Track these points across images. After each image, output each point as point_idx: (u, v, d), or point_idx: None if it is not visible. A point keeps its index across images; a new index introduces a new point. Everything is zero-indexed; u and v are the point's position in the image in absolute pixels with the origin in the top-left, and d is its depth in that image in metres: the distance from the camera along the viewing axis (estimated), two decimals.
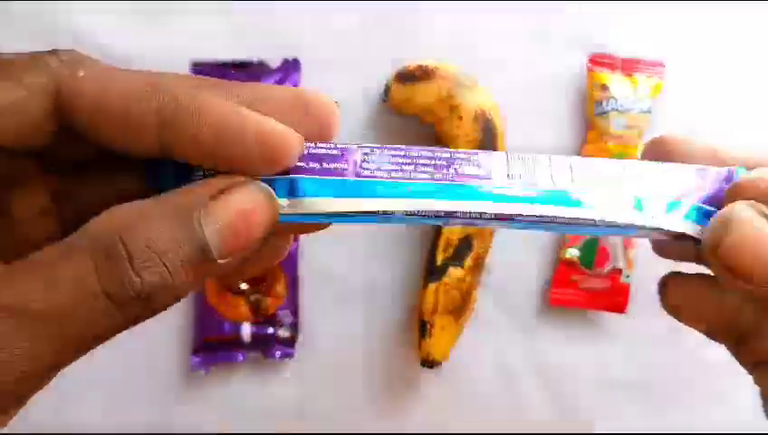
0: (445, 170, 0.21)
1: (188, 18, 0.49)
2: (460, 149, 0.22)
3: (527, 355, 0.51)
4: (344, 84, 0.49)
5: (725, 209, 0.20)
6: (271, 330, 0.49)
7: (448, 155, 0.22)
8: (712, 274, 0.21)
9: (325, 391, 0.50)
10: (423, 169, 0.21)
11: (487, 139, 0.46)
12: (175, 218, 0.17)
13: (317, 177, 0.20)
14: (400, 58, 0.48)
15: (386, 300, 0.50)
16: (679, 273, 0.24)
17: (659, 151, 0.23)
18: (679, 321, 0.24)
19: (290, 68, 0.49)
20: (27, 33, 0.48)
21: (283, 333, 0.49)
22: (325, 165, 0.20)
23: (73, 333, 0.16)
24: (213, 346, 0.48)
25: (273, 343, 0.49)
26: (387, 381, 0.50)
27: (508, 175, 0.21)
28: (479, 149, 0.46)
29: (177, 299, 0.18)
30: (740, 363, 0.24)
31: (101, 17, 0.48)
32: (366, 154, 0.21)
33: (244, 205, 0.18)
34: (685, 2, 0.50)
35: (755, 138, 0.51)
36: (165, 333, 0.49)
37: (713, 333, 0.24)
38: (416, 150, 0.22)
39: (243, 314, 0.48)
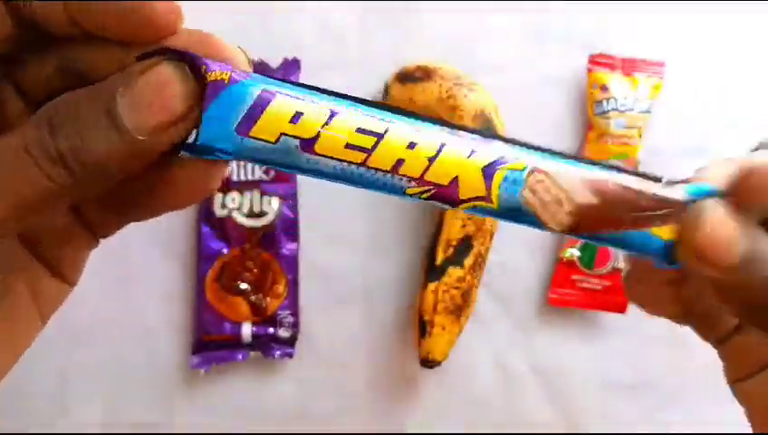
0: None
1: (188, 18, 0.49)
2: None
3: (527, 355, 0.51)
4: (344, 84, 0.49)
5: (697, 204, 0.21)
6: (271, 330, 0.49)
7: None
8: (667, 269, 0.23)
9: (325, 391, 0.50)
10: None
11: None
12: (94, 96, 0.19)
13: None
14: (400, 58, 0.48)
15: (386, 300, 0.50)
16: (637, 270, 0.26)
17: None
18: (644, 311, 0.26)
19: (290, 68, 0.49)
20: None
21: (283, 333, 0.49)
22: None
23: (2, 189, 0.18)
24: (213, 346, 0.48)
25: (273, 343, 0.49)
26: (387, 381, 0.50)
27: None
28: None
29: (102, 174, 0.19)
30: (704, 340, 0.27)
31: None
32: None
33: (156, 77, 0.19)
34: (685, 2, 0.50)
35: (755, 137, 0.51)
36: (165, 332, 0.49)
37: (674, 319, 0.27)
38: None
39: (243, 314, 0.48)
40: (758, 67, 0.51)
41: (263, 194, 0.49)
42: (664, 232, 0.21)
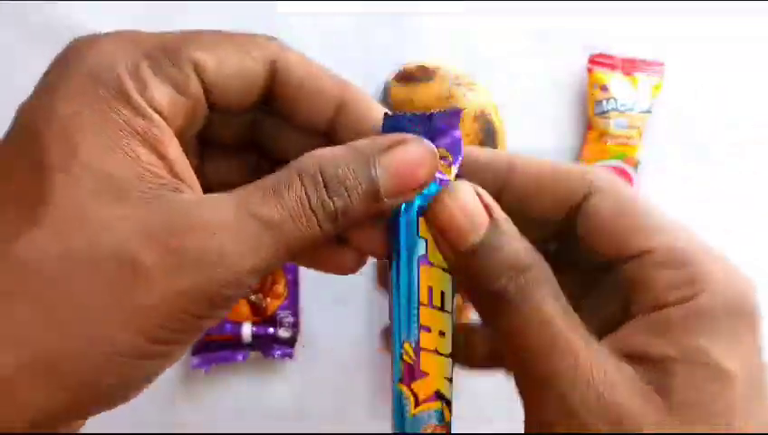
0: None
1: (188, 19, 0.49)
2: None
3: None
4: None
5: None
6: (271, 330, 0.49)
7: None
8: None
9: (325, 391, 0.50)
10: None
11: (487, 139, 0.46)
12: (357, 160, 0.21)
13: None
14: (400, 58, 0.48)
15: (386, 300, 0.50)
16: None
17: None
18: None
19: None
20: (28, 35, 0.48)
21: (283, 333, 0.49)
22: None
23: (290, 238, 0.20)
24: (213, 346, 0.48)
25: (273, 343, 0.49)
26: (387, 381, 0.50)
27: None
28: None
29: (354, 225, 0.22)
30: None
31: (101, 19, 0.48)
32: None
33: (412, 156, 0.21)
34: (685, 2, 0.50)
35: (754, 136, 0.51)
36: None
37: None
38: None
39: (243, 314, 0.48)
40: (758, 67, 0.51)
41: None
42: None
